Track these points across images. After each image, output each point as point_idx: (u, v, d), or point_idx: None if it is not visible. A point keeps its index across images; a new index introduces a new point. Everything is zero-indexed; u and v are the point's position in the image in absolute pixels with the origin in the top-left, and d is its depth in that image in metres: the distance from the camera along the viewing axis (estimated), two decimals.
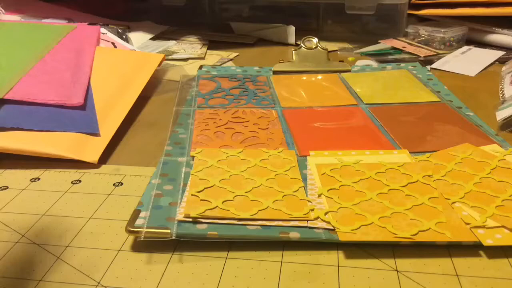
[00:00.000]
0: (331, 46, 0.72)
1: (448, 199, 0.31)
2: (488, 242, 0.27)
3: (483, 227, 0.29)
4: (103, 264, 0.27)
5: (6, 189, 0.35)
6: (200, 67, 0.62)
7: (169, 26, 0.82)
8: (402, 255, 0.27)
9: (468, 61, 0.64)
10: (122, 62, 0.55)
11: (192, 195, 0.32)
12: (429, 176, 0.34)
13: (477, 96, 0.52)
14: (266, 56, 0.70)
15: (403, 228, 0.28)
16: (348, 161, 0.36)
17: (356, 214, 0.30)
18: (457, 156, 0.37)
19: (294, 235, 0.28)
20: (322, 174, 0.35)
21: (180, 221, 0.29)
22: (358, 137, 0.42)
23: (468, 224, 0.29)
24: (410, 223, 0.29)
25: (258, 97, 0.51)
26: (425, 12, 0.76)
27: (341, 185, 0.33)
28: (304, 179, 0.35)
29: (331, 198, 0.32)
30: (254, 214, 0.30)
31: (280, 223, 0.29)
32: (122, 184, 0.36)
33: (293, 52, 0.63)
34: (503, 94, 0.51)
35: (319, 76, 0.58)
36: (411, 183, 0.33)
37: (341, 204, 0.31)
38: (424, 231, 0.28)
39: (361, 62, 0.65)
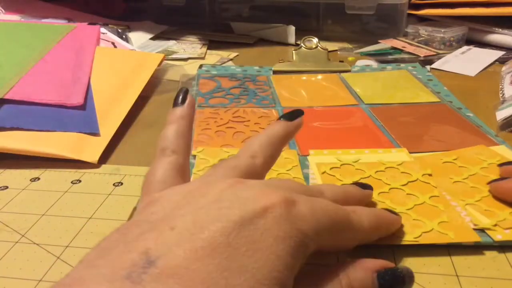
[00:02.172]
0: (331, 46, 0.72)
1: (463, 200, 0.31)
2: (498, 237, 0.28)
3: (495, 226, 0.28)
4: None
5: (6, 189, 0.35)
6: (200, 66, 0.62)
7: (169, 26, 0.82)
8: (402, 255, 0.27)
9: (468, 61, 0.64)
10: (122, 62, 0.55)
11: None
12: (428, 175, 0.34)
13: (477, 96, 0.52)
14: (266, 56, 0.70)
15: (406, 230, 0.28)
16: (347, 160, 0.36)
17: None
18: (485, 160, 0.36)
19: None
20: (322, 173, 0.35)
21: None
22: (359, 137, 0.42)
23: (476, 225, 0.29)
24: (413, 224, 0.29)
25: (258, 96, 0.51)
26: (425, 12, 0.76)
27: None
28: (306, 178, 0.35)
29: None
30: None
31: None
32: (122, 184, 0.36)
33: (293, 52, 0.63)
34: (503, 94, 0.51)
35: (319, 76, 0.58)
36: (411, 181, 0.33)
37: None
38: (427, 232, 0.28)
39: (361, 62, 0.65)
